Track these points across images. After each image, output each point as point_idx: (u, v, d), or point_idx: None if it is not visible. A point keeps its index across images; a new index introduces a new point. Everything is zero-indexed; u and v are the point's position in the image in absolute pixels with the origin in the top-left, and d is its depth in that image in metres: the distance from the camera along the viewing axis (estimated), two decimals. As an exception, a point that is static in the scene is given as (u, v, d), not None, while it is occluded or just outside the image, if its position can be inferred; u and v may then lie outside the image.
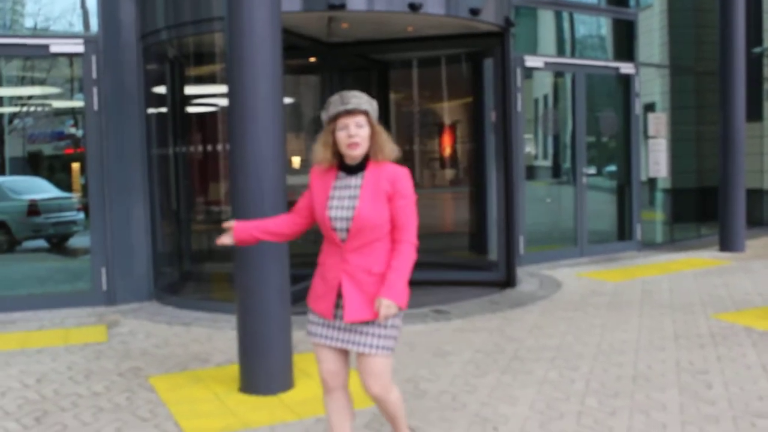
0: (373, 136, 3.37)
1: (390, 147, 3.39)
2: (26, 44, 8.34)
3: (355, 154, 3.35)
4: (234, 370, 5.50)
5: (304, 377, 5.41)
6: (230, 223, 3.68)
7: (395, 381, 5.29)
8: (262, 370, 5.18)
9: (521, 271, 9.44)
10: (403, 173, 3.39)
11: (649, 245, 12.05)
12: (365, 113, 3.34)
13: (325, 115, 3.39)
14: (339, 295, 3.39)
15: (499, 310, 7.62)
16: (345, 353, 3.53)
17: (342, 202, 3.37)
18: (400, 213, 3.34)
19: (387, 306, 3.24)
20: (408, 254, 3.34)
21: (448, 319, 7.29)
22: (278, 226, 3.68)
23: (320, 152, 3.42)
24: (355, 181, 3.39)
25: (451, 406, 4.83)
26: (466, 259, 10.57)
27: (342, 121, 3.32)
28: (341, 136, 3.33)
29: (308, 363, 5.60)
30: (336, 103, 3.35)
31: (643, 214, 12.02)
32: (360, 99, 3.35)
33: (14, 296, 8.34)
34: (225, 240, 3.66)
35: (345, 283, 3.35)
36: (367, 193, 3.34)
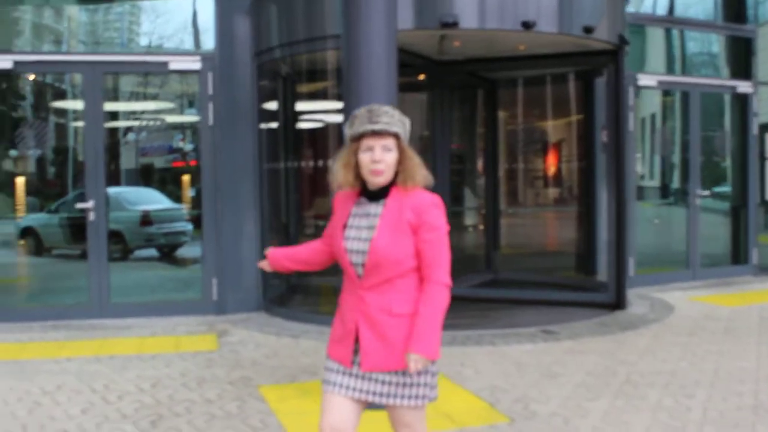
0: (401, 161, 2.93)
1: (422, 174, 2.95)
2: (146, 61, 8.68)
3: (377, 181, 2.93)
4: (342, 383, 5.52)
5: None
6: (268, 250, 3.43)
7: (504, 400, 5.25)
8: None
9: (631, 294, 9.20)
10: (432, 201, 2.92)
11: (766, 270, 11.56)
12: (395, 136, 2.92)
13: (348, 131, 2.97)
14: (357, 340, 2.98)
15: (609, 333, 7.44)
16: (360, 405, 3.06)
17: (360, 232, 2.96)
18: (427, 247, 2.89)
19: (415, 361, 2.83)
20: (438, 297, 2.88)
21: (557, 339, 7.16)
22: (307, 254, 3.35)
23: (341, 174, 2.99)
24: (375, 208, 2.97)
25: (563, 429, 4.73)
26: (573, 279, 10.37)
27: (367, 142, 2.90)
28: (364, 158, 2.91)
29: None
30: (363, 119, 2.92)
31: (760, 238, 11.57)
32: (391, 118, 2.92)
33: (129, 303, 8.64)
34: (263, 265, 3.44)
35: (362, 327, 2.94)
36: (386, 223, 2.91)
